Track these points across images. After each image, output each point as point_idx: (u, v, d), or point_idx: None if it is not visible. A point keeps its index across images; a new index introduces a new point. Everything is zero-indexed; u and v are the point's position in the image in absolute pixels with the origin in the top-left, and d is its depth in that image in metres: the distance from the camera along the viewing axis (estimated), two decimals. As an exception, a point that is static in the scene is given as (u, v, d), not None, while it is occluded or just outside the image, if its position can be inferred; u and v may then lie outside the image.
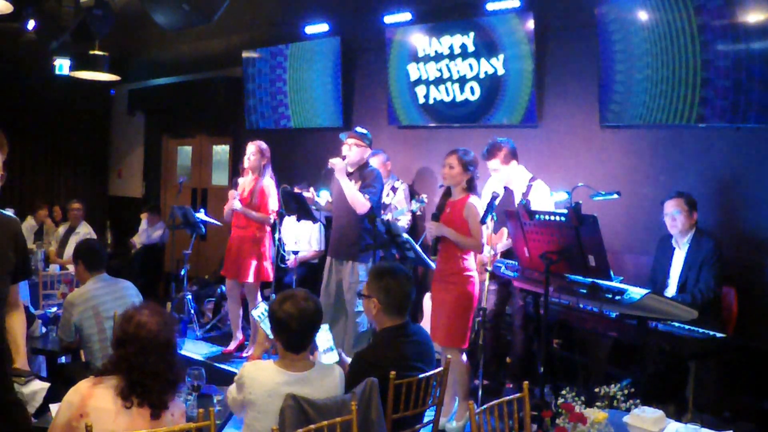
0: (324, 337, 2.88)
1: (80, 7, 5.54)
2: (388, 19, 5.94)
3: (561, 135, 5.14)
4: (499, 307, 4.53)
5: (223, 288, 6.32)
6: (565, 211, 3.27)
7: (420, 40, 5.82)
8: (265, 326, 2.72)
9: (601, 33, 4.68)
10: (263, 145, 5.43)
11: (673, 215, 3.96)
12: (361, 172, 4.62)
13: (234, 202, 5.33)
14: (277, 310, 2.43)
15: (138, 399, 2.09)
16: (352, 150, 4.61)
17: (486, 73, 5.41)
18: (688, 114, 4.30)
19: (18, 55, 7.52)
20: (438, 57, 5.69)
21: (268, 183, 5.38)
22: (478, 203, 3.94)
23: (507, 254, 4.29)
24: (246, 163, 5.43)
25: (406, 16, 5.86)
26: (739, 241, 4.24)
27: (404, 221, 5.43)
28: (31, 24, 5.96)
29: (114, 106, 10.09)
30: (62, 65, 6.69)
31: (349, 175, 4.61)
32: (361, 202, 4.47)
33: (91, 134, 9.97)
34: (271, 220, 5.43)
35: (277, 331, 2.45)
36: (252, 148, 5.40)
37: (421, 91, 5.84)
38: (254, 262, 5.36)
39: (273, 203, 5.36)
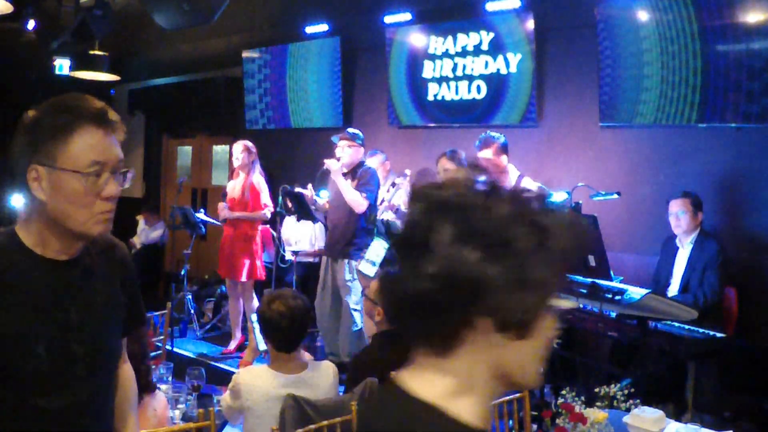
0: (378, 250, 2.82)
1: (80, 7, 5.54)
2: (388, 19, 5.94)
3: (561, 135, 5.13)
4: None
5: (224, 288, 6.32)
6: (565, 211, 3.26)
7: (420, 40, 5.82)
8: (257, 334, 2.71)
9: (601, 33, 4.68)
10: (248, 143, 5.44)
11: (678, 215, 3.96)
12: (356, 172, 4.65)
13: (224, 213, 5.36)
14: (266, 310, 2.43)
15: None
16: (344, 151, 4.66)
17: (485, 73, 5.40)
18: (689, 114, 4.30)
19: (18, 55, 7.52)
20: (439, 55, 5.69)
21: (258, 179, 5.38)
22: None
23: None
24: (235, 164, 5.44)
25: (406, 16, 5.86)
26: (739, 241, 4.24)
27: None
28: (31, 24, 5.97)
29: (114, 106, 10.04)
30: (62, 65, 6.70)
31: (344, 175, 4.64)
32: (358, 202, 4.49)
33: (91, 134, 9.96)
34: (267, 215, 5.42)
35: (268, 331, 2.45)
36: (239, 147, 5.41)
37: (432, 88, 5.83)
38: (247, 261, 5.35)
39: (265, 197, 5.36)
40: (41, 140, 1.28)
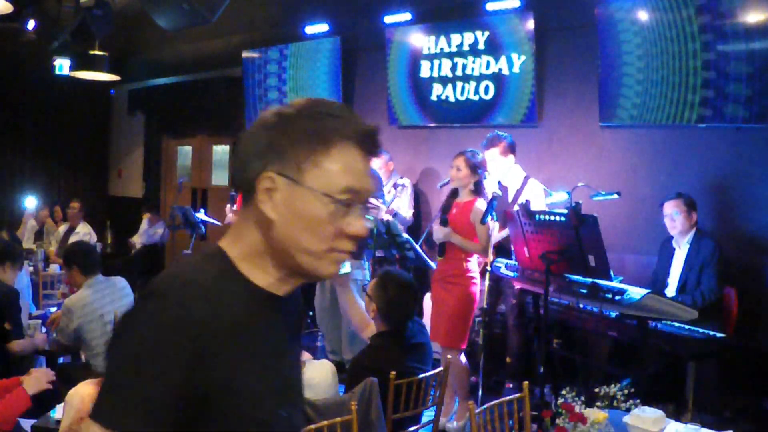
0: None
1: (80, 7, 5.54)
2: (388, 19, 5.94)
3: (561, 135, 5.13)
4: (491, 306, 4.53)
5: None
6: (565, 211, 3.27)
7: (420, 40, 5.83)
8: None
9: (601, 33, 4.68)
10: None
11: (672, 216, 3.97)
12: None
13: (231, 216, 5.35)
14: None
15: None
16: None
17: (485, 73, 5.41)
18: (689, 114, 4.30)
19: (18, 55, 7.53)
20: (439, 55, 5.69)
21: None
22: (485, 207, 3.93)
23: (503, 252, 4.28)
24: None
25: (406, 16, 5.87)
26: (739, 242, 4.24)
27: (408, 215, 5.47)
28: (31, 24, 5.98)
29: (114, 106, 10.09)
30: (62, 65, 6.70)
31: None
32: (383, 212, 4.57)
33: (91, 134, 9.98)
34: None
35: None
36: None
37: (433, 88, 5.83)
38: None
39: None
40: (290, 145, 1.00)
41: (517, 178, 4.41)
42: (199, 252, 1.06)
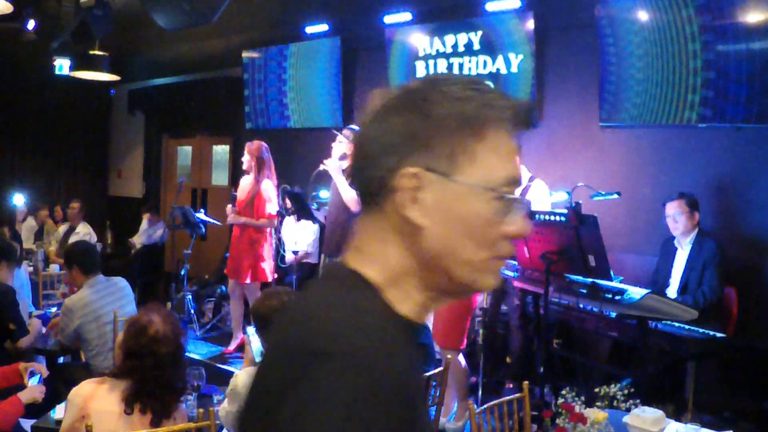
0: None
1: (80, 7, 5.54)
2: (388, 19, 5.94)
3: (561, 135, 5.13)
4: (494, 306, 4.53)
5: (224, 288, 6.32)
6: (565, 211, 3.27)
7: (420, 40, 5.83)
8: (254, 347, 2.68)
9: (601, 33, 4.68)
10: (251, 144, 5.34)
11: (675, 217, 3.96)
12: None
13: (233, 217, 5.33)
14: (260, 307, 2.45)
15: (141, 405, 2.10)
16: (337, 146, 4.69)
17: (484, 73, 5.40)
18: (689, 114, 4.30)
19: (18, 55, 7.53)
20: (439, 55, 5.69)
21: (266, 187, 5.27)
22: None
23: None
24: (244, 165, 5.44)
25: (406, 16, 5.86)
26: (739, 242, 4.24)
27: None
28: (31, 24, 5.98)
29: (114, 106, 10.09)
30: (62, 65, 6.70)
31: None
32: (355, 200, 4.49)
33: (91, 134, 9.98)
34: (275, 223, 5.39)
35: (262, 328, 2.45)
36: (245, 149, 5.38)
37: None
38: (251, 263, 5.35)
39: (270, 207, 5.28)
40: (437, 132, 0.80)
41: (522, 178, 4.39)
42: (333, 280, 0.83)
